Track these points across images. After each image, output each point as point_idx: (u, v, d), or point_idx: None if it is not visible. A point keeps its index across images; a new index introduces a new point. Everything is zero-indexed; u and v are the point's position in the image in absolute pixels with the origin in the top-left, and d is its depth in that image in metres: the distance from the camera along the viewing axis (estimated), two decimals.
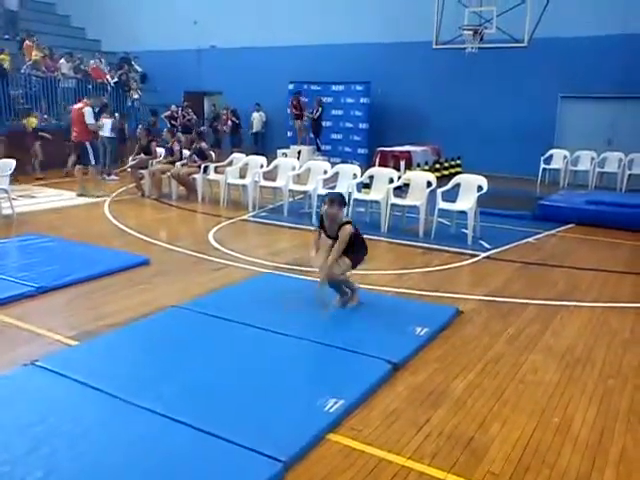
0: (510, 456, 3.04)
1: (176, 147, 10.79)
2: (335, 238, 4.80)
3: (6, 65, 13.55)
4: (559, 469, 2.96)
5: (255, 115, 17.06)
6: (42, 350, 4.12)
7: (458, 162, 14.10)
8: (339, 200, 4.77)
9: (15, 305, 5.01)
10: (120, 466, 2.81)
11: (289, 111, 16.22)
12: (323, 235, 5.01)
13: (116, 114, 13.69)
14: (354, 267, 4.94)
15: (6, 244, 6.96)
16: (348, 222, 4.81)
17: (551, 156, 13.16)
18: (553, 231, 8.42)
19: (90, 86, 14.98)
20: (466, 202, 7.81)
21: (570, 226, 8.68)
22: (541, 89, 13.77)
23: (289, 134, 16.89)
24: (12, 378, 3.68)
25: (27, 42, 14.83)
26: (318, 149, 15.79)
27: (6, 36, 15.91)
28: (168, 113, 15.62)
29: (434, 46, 12.70)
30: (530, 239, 7.94)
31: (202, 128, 14.41)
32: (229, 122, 16.65)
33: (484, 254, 7.08)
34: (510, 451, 3.09)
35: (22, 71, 13.87)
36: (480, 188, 7.86)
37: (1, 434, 3.05)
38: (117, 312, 4.90)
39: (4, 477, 2.70)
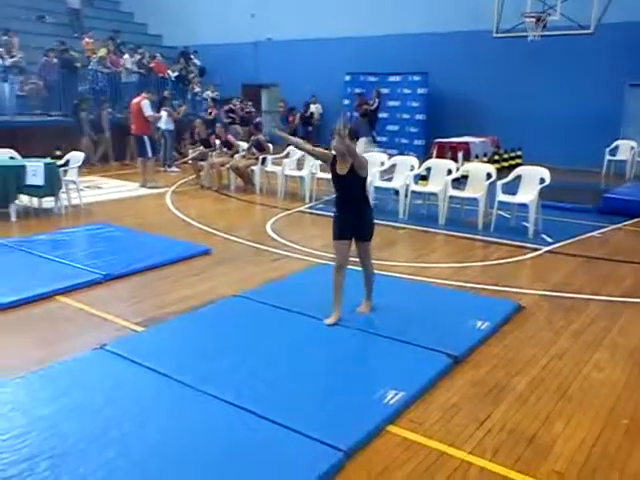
0: (575, 456, 2.97)
1: (232, 139, 10.94)
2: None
3: (76, 62, 14.11)
4: (630, 472, 2.87)
5: (312, 107, 17.11)
6: (110, 335, 4.30)
7: (518, 153, 13.73)
8: (350, 132, 4.24)
9: (84, 291, 5.24)
10: (186, 451, 2.90)
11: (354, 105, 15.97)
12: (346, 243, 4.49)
13: (182, 105, 14.10)
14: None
15: (75, 233, 7.26)
16: None
17: (617, 147, 12.61)
18: (619, 225, 8.10)
19: (152, 80, 15.37)
20: (528, 194, 7.61)
21: (637, 220, 8.33)
22: (607, 77, 13.18)
23: None
24: (83, 361, 3.85)
25: (86, 39, 15.38)
26: (374, 140, 15.64)
27: (75, 35, 16.51)
28: (228, 107, 15.84)
29: (494, 35, 12.38)
30: (594, 233, 7.66)
31: (259, 119, 14.56)
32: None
33: (546, 248, 6.90)
34: (575, 450, 3.02)
35: (90, 67, 14.38)
36: (542, 180, 7.65)
37: (76, 414, 3.21)
38: (180, 300, 5.05)
39: (80, 454, 2.85)
